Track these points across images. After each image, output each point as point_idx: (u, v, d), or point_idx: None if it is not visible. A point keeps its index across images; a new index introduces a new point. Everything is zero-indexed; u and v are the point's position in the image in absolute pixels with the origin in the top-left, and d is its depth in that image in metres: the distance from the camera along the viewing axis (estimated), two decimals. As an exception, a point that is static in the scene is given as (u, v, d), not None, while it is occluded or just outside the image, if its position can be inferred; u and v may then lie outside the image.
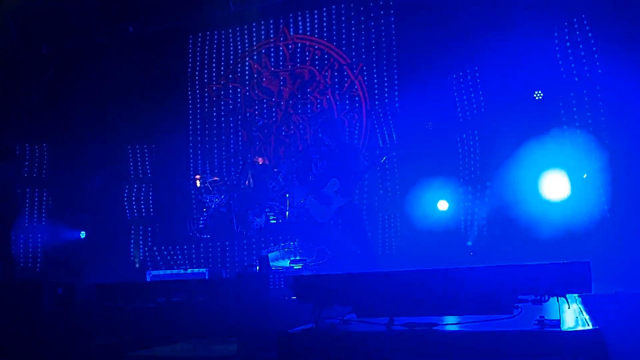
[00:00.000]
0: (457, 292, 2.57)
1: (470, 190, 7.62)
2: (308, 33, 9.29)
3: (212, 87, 9.81)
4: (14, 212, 6.27)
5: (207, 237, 8.73)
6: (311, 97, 9.12)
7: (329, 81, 9.00)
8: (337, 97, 8.92)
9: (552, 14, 7.15)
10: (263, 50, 9.56)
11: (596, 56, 6.91)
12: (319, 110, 9.02)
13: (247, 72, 9.66)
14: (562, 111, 7.15)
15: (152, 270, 7.08)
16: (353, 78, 8.85)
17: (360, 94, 8.78)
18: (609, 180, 6.61)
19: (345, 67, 8.92)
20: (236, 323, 4.04)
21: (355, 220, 6.45)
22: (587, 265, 2.37)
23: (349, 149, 6.80)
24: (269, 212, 8.46)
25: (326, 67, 9.05)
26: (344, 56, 8.94)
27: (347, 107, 8.82)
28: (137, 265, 9.41)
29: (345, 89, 8.88)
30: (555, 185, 6.94)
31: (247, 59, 9.67)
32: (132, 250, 9.61)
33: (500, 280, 2.53)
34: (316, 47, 9.19)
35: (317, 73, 9.12)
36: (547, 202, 6.96)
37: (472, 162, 7.69)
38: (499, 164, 7.26)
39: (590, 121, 6.96)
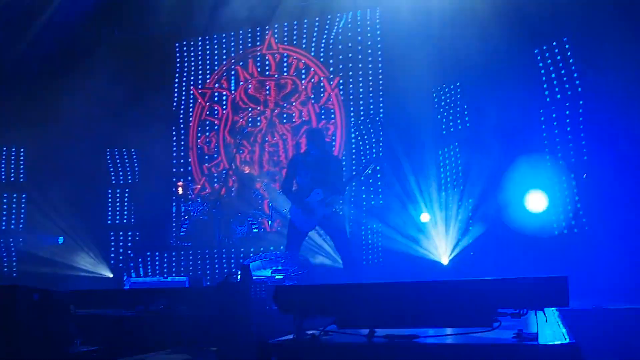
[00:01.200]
0: (437, 304, 2.59)
1: (452, 203, 7.67)
2: (295, 43, 9.35)
3: (200, 92, 9.79)
4: None
5: (188, 244, 8.69)
6: (293, 108, 9.18)
7: (310, 92, 9.08)
8: (317, 109, 9.00)
9: (535, 34, 7.26)
10: (249, 57, 9.59)
11: (575, 75, 7.01)
12: (300, 120, 9.08)
13: (232, 79, 9.67)
14: (544, 126, 7.24)
15: (132, 277, 7.01)
16: (330, 91, 8.96)
17: (336, 107, 8.88)
18: (587, 195, 6.70)
19: (323, 79, 9.01)
20: (216, 332, 4.02)
21: (338, 230, 6.46)
22: (565, 280, 2.40)
23: (333, 159, 6.83)
24: (251, 220, 8.46)
25: (307, 79, 9.13)
26: (323, 69, 9.04)
27: (323, 118, 8.90)
28: (112, 275, 9.31)
29: (322, 101, 8.97)
30: (536, 198, 7.03)
31: (234, 65, 9.69)
32: (112, 256, 9.52)
33: (480, 293, 2.55)
34: (297, 57, 9.28)
35: (299, 84, 9.19)
36: (527, 216, 7.04)
37: (454, 175, 7.76)
38: (481, 177, 7.33)
39: (570, 137, 7.05)
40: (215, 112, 9.70)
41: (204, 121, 9.73)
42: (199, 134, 9.69)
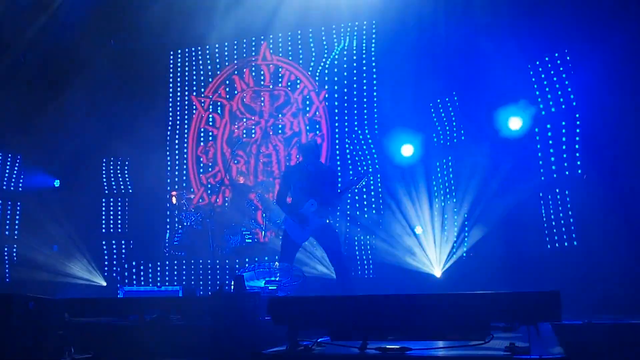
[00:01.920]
0: (430, 317, 2.61)
1: (446, 215, 7.71)
2: (290, 56, 9.42)
3: (200, 100, 9.81)
4: None
5: (181, 254, 8.69)
6: (285, 119, 9.24)
7: (300, 105, 9.16)
8: (306, 121, 9.08)
9: (529, 47, 7.32)
10: (245, 67, 9.65)
11: (569, 89, 7.06)
12: (291, 132, 9.15)
13: (229, 89, 9.70)
14: (538, 137, 7.29)
15: (126, 286, 7.00)
16: (318, 103, 9.04)
17: (323, 119, 8.96)
18: (581, 208, 6.73)
19: (312, 92, 9.10)
20: (210, 342, 4.02)
21: (331, 242, 6.47)
22: (557, 295, 2.43)
23: (327, 170, 6.86)
24: (245, 231, 8.46)
25: (297, 91, 9.21)
26: (312, 81, 9.13)
27: (310, 130, 8.98)
28: (105, 284, 9.29)
29: (310, 114, 9.05)
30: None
31: (231, 75, 9.73)
32: (105, 264, 9.50)
33: (473, 307, 2.58)
34: (289, 70, 9.36)
35: (291, 95, 9.26)
36: (521, 229, 7.08)
37: (448, 188, 7.80)
38: (474, 190, 7.37)
39: (564, 147, 7.08)
40: (213, 121, 9.72)
41: (203, 130, 9.75)
42: (198, 143, 9.69)
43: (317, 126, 9.04)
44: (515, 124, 7.27)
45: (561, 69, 7.13)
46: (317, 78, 9.13)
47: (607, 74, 6.53)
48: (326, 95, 9.02)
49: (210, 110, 9.77)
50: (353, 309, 2.74)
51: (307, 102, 9.18)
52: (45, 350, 4.24)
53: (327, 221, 6.47)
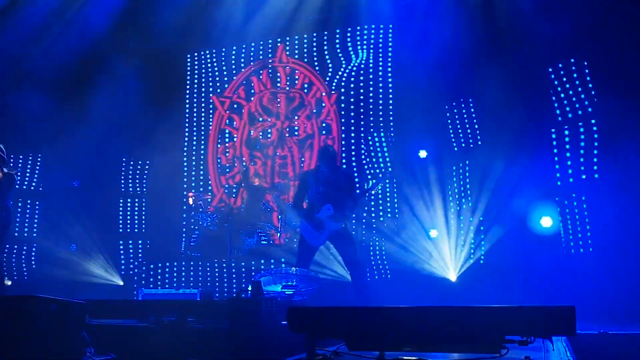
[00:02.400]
0: (446, 330, 2.65)
1: (462, 219, 7.72)
2: (305, 59, 9.46)
3: (221, 101, 9.87)
4: (3, 223, 6.28)
5: (197, 254, 8.76)
6: (299, 121, 9.30)
7: (314, 107, 9.20)
8: (319, 124, 9.12)
9: (548, 50, 7.30)
10: (263, 69, 9.71)
11: (593, 92, 7.03)
12: (305, 134, 9.20)
13: (248, 89, 9.75)
14: (555, 142, 7.27)
15: (144, 289, 7.09)
16: (329, 106, 9.08)
17: (334, 122, 9.01)
18: (597, 213, 6.72)
19: (324, 95, 9.15)
20: (227, 347, 4.09)
21: (347, 245, 6.51)
22: (572, 310, 2.46)
23: (344, 174, 6.89)
24: (260, 232, 8.52)
25: (311, 94, 9.27)
26: (325, 84, 9.18)
27: (321, 132, 9.03)
28: (122, 283, 9.40)
29: (323, 116, 9.09)
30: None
31: (250, 76, 9.79)
32: (122, 265, 9.62)
33: (488, 320, 2.62)
34: (303, 72, 9.42)
35: (305, 98, 9.31)
36: (536, 234, 7.09)
37: (464, 192, 7.80)
38: (491, 195, 7.37)
39: (582, 152, 7.05)
40: (233, 122, 9.78)
41: (223, 131, 9.82)
42: (219, 144, 9.75)
43: (329, 129, 9.09)
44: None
45: (576, 75, 7.11)
46: (330, 80, 9.14)
47: (625, 78, 6.53)
48: (342, 98, 9.05)
49: (230, 111, 9.83)
50: (370, 320, 2.79)
51: (322, 105, 9.21)
52: (66, 351, 4.33)
53: (343, 226, 6.50)
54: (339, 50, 9.17)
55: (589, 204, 6.81)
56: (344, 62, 9.10)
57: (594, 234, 6.71)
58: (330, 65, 9.20)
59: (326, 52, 9.23)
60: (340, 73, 9.10)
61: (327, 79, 9.18)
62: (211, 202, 9.29)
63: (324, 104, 9.21)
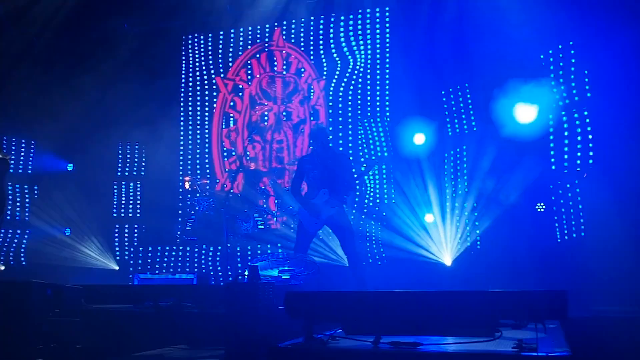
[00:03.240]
0: (441, 314, 2.69)
1: (457, 204, 7.75)
2: (302, 43, 9.41)
3: (225, 82, 9.80)
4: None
5: (194, 239, 8.76)
6: (292, 106, 9.29)
7: (306, 92, 9.19)
8: (310, 109, 9.11)
9: (543, 35, 7.28)
10: (262, 52, 9.65)
11: (587, 80, 7.03)
12: (297, 119, 9.19)
13: (248, 72, 9.70)
14: (551, 129, 7.28)
15: (140, 274, 7.10)
16: (318, 92, 9.07)
17: (322, 108, 9.05)
18: (591, 200, 6.75)
19: (314, 81, 9.13)
20: (224, 331, 4.12)
21: (344, 229, 6.52)
22: (564, 294, 2.49)
23: (339, 157, 6.87)
24: (257, 217, 8.54)
25: (303, 79, 9.26)
26: (315, 69, 9.16)
27: (312, 119, 9.04)
28: (117, 268, 9.42)
29: (313, 101, 9.08)
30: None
31: (251, 58, 9.72)
32: (117, 248, 9.63)
33: (482, 304, 2.65)
34: (297, 57, 9.39)
35: (299, 83, 9.29)
36: (532, 219, 7.13)
37: (459, 177, 7.82)
38: (486, 180, 7.40)
39: (579, 138, 7.07)
40: (235, 105, 9.72)
41: (226, 114, 9.75)
42: (223, 127, 9.69)
43: (317, 115, 9.09)
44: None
45: (575, 60, 7.11)
46: (323, 67, 9.12)
47: (624, 66, 6.52)
48: (333, 83, 9.01)
49: (234, 93, 9.76)
50: (367, 305, 2.82)
51: (312, 90, 9.19)
52: (62, 336, 4.37)
53: (341, 209, 6.51)
54: (331, 36, 9.13)
55: (582, 189, 6.84)
56: (339, 49, 9.07)
57: (586, 219, 6.75)
58: (322, 51, 9.15)
59: (321, 38, 9.18)
60: (334, 57, 9.07)
61: (325, 69, 9.11)
62: (214, 186, 9.24)
63: (312, 90, 9.19)
